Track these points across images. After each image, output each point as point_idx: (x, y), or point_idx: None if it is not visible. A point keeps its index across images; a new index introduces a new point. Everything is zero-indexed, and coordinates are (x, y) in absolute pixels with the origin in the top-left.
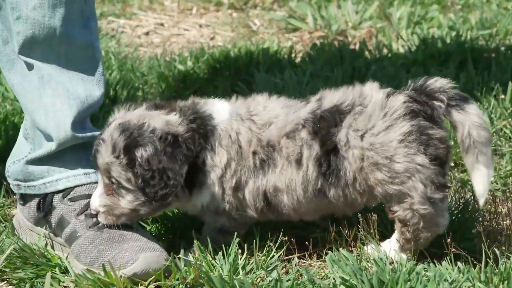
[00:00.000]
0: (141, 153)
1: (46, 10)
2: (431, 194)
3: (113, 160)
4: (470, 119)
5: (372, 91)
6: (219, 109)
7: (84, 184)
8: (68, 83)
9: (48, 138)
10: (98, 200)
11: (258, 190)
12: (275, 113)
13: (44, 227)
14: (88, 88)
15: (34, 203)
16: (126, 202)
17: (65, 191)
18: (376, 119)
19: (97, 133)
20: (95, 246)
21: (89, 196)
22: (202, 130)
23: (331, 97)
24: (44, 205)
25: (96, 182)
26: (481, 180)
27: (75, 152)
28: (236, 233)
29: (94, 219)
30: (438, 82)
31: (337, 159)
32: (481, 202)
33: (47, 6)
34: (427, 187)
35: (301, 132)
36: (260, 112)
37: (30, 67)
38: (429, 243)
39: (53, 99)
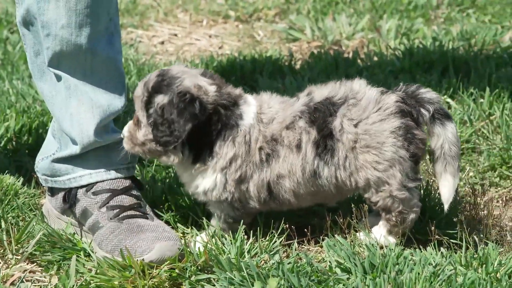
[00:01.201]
0: (160, 99)
1: (73, 29)
2: (406, 183)
3: (139, 94)
4: (446, 134)
5: (362, 87)
6: (248, 112)
7: (105, 180)
8: (92, 93)
9: (73, 142)
10: (127, 127)
11: (263, 181)
12: (275, 109)
13: (70, 216)
14: (110, 98)
15: (60, 195)
16: (141, 134)
17: (88, 186)
18: (371, 112)
19: (118, 135)
20: (116, 236)
21: (109, 190)
22: (226, 119)
23: (320, 92)
24: (69, 197)
25: (115, 178)
26: (447, 188)
27: (97, 152)
28: (241, 221)
29: (115, 211)
30: (429, 94)
31: (332, 141)
32: (446, 206)
33: (74, 26)
34: (403, 177)
35: (299, 122)
36: (266, 110)
37: (58, 78)
38: (413, 224)
39: (78, 108)
